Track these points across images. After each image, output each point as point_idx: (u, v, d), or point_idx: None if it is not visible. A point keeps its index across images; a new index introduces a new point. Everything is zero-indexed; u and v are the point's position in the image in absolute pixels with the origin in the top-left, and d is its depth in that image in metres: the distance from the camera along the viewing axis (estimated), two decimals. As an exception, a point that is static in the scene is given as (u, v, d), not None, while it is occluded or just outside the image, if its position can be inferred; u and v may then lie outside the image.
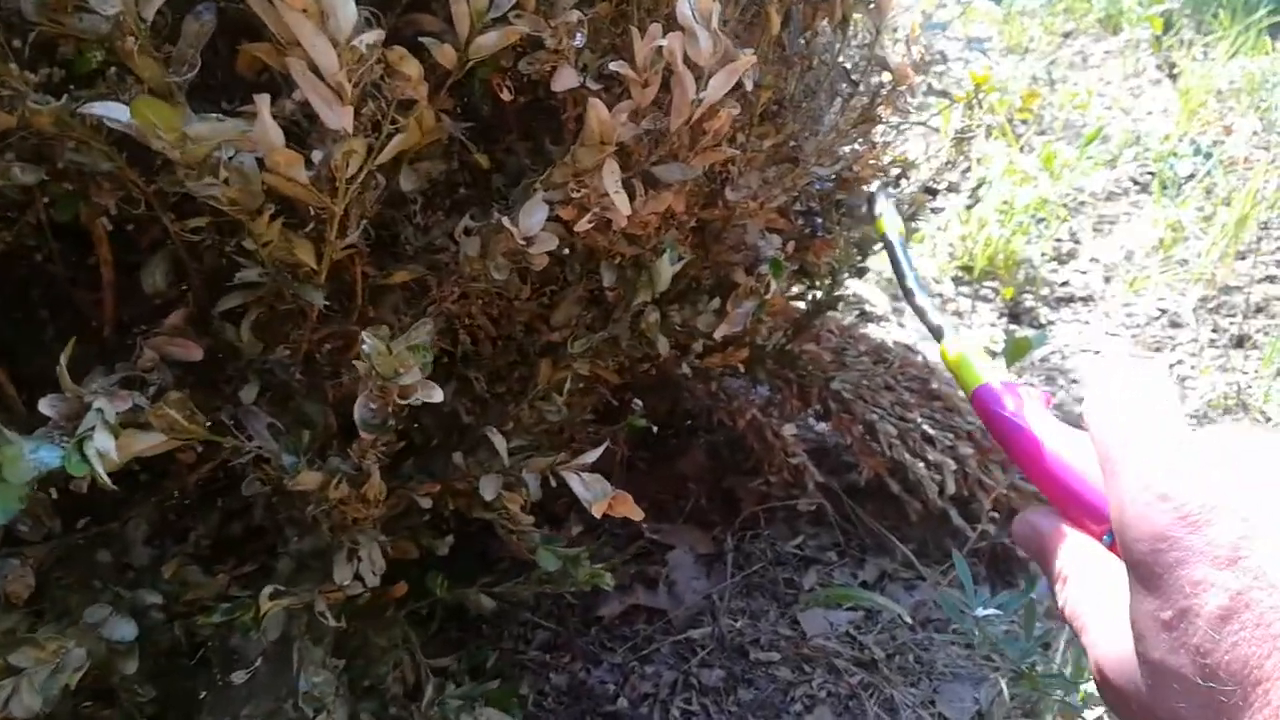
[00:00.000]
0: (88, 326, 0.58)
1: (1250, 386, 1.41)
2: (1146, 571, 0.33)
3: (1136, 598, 0.34)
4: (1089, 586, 0.38)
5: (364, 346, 0.44)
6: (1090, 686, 0.66)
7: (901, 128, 0.97)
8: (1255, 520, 0.30)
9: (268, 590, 0.59)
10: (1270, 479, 0.31)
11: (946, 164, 1.02)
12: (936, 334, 0.56)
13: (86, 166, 0.46)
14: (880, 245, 0.74)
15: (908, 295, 0.63)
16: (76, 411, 0.45)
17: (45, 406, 0.45)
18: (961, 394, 1.34)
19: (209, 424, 0.52)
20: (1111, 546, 0.40)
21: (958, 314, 1.73)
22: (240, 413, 0.57)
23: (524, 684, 1.02)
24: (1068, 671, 0.82)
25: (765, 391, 1.38)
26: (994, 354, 1.60)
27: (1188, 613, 0.30)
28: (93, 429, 0.42)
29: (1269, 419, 1.37)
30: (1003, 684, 0.99)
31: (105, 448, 0.42)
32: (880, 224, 0.74)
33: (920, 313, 0.59)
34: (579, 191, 0.56)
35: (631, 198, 0.59)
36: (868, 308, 1.72)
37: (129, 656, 0.55)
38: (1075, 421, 0.44)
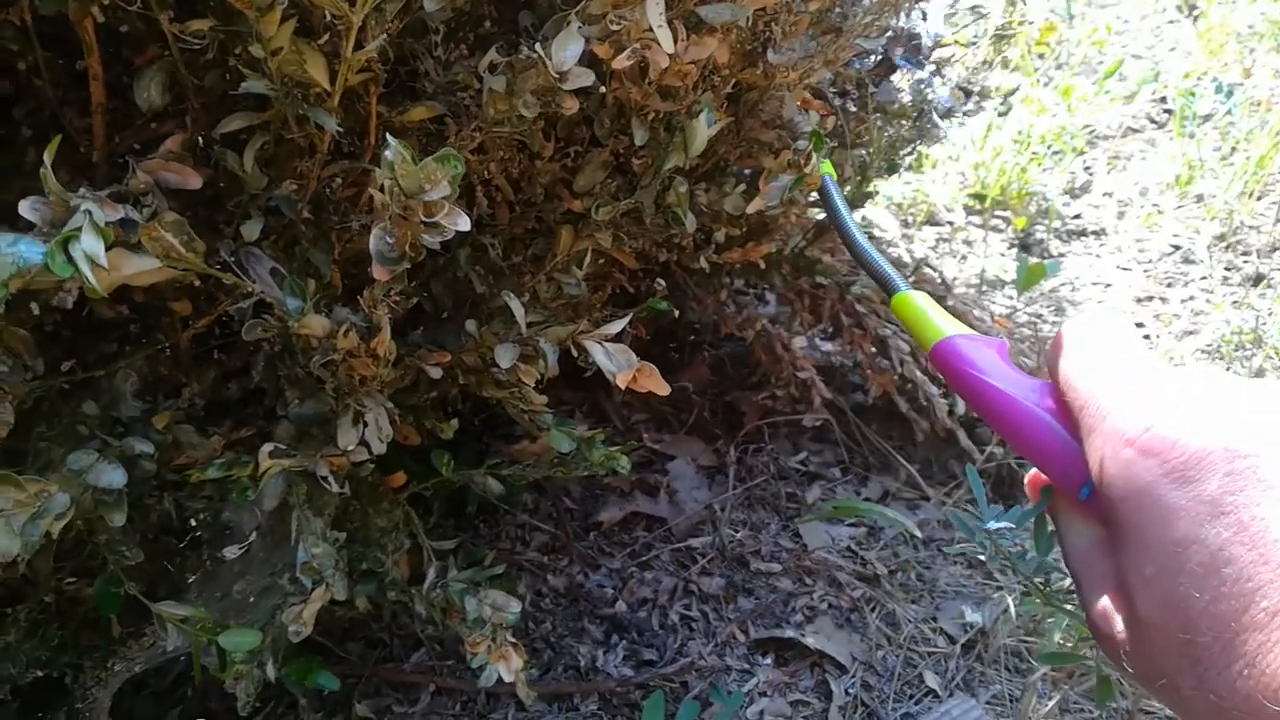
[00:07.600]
0: (76, 152, 0.53)
1: (1264, 324, 1.38)
2: (1131, 527, 0.33)
3: (1121, 552, 0.34)
4: (1074, 543, 0.39)
5: (386, 154, 0.39)
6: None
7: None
8: (1241, 473, 0.30)
9: (268, 448, 0.55)
10: (1256, 427, 0.30)
11: (984, 63, 0.97)
12: (887, 286, 0.52)
13: (76, -58, 0.40)
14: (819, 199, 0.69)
15: (850, 242, 0.58)
16: (62, 218, 0.40)
17: (26, 209, 0.40)
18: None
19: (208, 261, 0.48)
20: (1089, 500, 0.38)
21: (968, 243, 1.69)
22: (242, 253, 0.52)
23: (521, 584, 1.00)
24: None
25: (772, 309, 1.34)
26: (1006, 282, 1.56)
27: (1169, 569, 0.31)
28: (79, 229, 0.38)
29: (1282, 357, 1.35)
30: (1009, 601, 0.97)
31: (94, 250, 0.37)
32: (826, 165, 0.69)
33: (868, 263, 0.55)
34: (618, 24, 0.51)
35: (673, 43, 0.54)
36: (876, 232, 1.68)
37: (117, 507, 0.51)
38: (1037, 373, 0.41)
